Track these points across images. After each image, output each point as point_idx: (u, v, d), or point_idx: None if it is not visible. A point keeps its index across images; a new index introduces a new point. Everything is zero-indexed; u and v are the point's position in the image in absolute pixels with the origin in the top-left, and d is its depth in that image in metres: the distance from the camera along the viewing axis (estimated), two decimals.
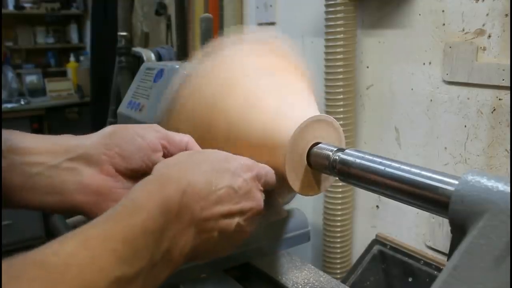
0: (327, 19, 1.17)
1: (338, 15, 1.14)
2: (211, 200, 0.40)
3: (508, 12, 0.91)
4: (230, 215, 0.41)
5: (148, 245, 0.33)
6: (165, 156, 0.47)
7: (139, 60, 1.96)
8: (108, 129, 0.47)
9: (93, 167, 0.45)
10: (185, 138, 0.49)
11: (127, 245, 0.32)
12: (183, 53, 1.66)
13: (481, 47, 0.96)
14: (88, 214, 0.45)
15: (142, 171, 0.46)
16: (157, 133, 0.47)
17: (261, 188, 0.46)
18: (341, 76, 1.17)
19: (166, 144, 0.47)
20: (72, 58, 3.74)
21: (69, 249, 0.30)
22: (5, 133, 0.44)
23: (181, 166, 0.41)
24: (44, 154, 0.43)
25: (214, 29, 1.31)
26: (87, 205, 0.44)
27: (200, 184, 0.40)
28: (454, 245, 0.36)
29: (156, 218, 0.35)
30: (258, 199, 0.44)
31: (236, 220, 0.42)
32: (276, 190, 0.50)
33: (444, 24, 1.03)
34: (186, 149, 0.48)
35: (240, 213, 0.42)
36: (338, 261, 1.28)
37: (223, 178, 0.41)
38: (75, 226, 0.96)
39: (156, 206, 0.35)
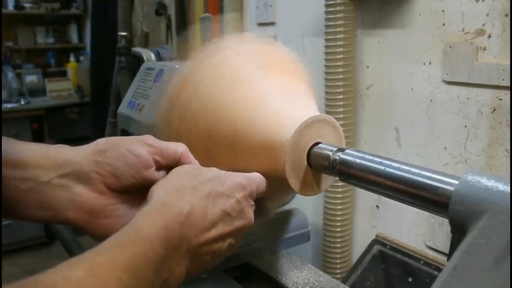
0: (327, 19, 1.17)
1: (338, 15, 1.14)
2: (206, 227, 0.41)
3: (508, 12, 0.91)
4: (223, 237, 0.43)
5: (149, 275, 0.35)
6: (158, 169, 0.47)
7: (139, 60, 1.96)
8: (100, 145, 0.46)
9: (84, 185, 0.44)
10: (180, 149, 0.48)
11: (131, 275, 0.33)
12: (183, 53, 1.66)
13: (481, 47, 0.96)
14: (81, 230, 0.45)
15: (134, 187, 0.46)
16: (150, 147, 0.47)
17: (253, 204, 0.47)
18: (341, 76, 1.17)
19: (159, 158, 0.47)
20: (72, 58, 3.74)
21: (77, 275, 0.31)
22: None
23: (181, 192, 0.42)
24: (36, 169, 0.43)
25: (214, 29, 1.31)
26: (80, 221, 0.44)
27: (198, 213, 0.40)
28: (454, 245, 0.36)
29: (157, 249, 0.36)
30: (249, 217, 0.45)
31: (228, 241, 0.43)
32: (266, 194, 0.50)
33: (444, 24, 1.03)
34: (180, 160, 0.48)
35: (232, 234, 0.44)
36: (338, 261, 1.28)
37: (217, 203, 0.42)
38: (74, 227, 0.96)
39: (158, 237, 0.36)
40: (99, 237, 0.45)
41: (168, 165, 0.48)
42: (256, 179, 0.47)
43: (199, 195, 0.42)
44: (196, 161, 0.49)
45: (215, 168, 0.47)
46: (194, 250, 0.40)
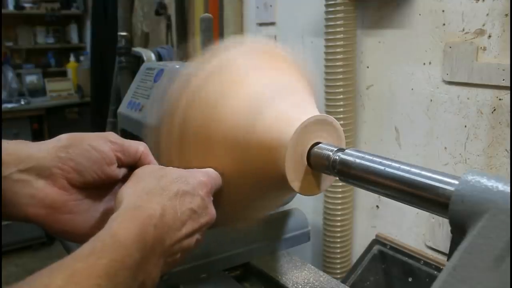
0: (327, 19, 1.17)
1: (338, 15, 1.14)
2: (177, 226, 0.42)
3: (508, 12, 0.91)
4: (191, 234, 0.44)
5: (126, 280, 0.35)
6: (120, 166, 0.48)
7: (139, 60, 1.97)
8: (63, 140, 0.46)
9: (45, 180, 0.44)
10: (140, 148, 0.50)
11: (109, 281, 0.34)
12: (183, 53, 1.66)
13: (481, 47, 0.96)
14: (42, 226, 0.45)
15: (95, 183, 0.46)
16: (113, 144, 0.48)
17: (212, 199, 0.48)
18: (341, 76, 1.17)
19: (121, 156, 0.48)
20: (72, 58, 3.74)
21: (57, 284, 0.32)
22: None
23: (150, 194, 0.42)
24: None
25: (214, 29, 1.31)
26: (40, 217, 0.44)
27: (169, 214, 0.41)
28: (454, 245, 0.36)
29: (133, 254, 0.36)
30: (213, 212, 0.47)
31: (196, 237, 0.45)
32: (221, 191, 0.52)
33: (444, 24, 1.03)
34: (140, 159, 0.49)
35: (199, 229, 0.45)
36: (338, 261, 1.28)
37: (184, 202, 0.43)
38: None
39: (133, 242, 0.37)
40: (58, 233, 0.46)
41: (129, 163, 0.49)
42: (214, 175, 0.49)
43: (167, 195, 0.43)
44: (155, 161, 0.51)
45: (174, 167, 0.48)
46: (168, 250, 0.41)
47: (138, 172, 0.47)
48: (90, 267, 0.34)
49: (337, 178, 0.51)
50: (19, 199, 0.43)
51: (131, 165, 0.49)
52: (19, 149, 0.45)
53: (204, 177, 0.48)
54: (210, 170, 0.50)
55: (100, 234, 0.37)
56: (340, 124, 0.55)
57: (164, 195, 0.43)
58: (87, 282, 0.33)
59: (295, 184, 0.51)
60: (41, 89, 3.41)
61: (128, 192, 0.43)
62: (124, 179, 0.47)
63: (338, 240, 1.27)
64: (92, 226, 0.46)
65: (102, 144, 0.47)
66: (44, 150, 0.45)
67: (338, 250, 1.27)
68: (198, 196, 0.45)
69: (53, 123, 3.28)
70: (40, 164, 0.44)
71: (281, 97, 0.54)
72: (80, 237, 0.45)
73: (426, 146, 1.10)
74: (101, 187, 0.48)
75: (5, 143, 0.45)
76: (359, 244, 1.30)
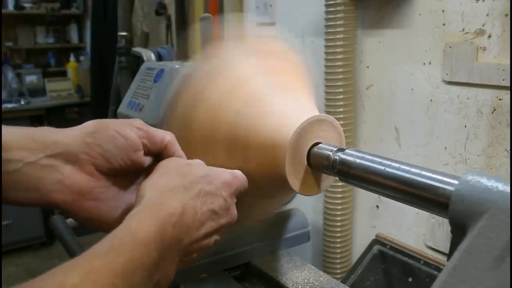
0: (327, 19, 1.17)
1: (338, 15, 1.14)
2: (196, 226, 0.42)
3: (508, 12, 0.91)
4: (210, 235, 0.44)
5: (143, 279, 0.35)
6: (146, 153, 0.47)
7: (139, 60, 1.97)
8: (90, 126, 0.46)
9: (72, 165, 0.44)
10: (167, 137, 0.49)
11: (126, 280, 0.33)
12: (183, 53, 1.66)
13: (481, 47, 0.96)
14: (66, 212, 0.45)
15: (122, 170, 0.46)
16: (139, 131, 0.47)
17: (235, 200, 0.48)
18: (341, 76, 1.17)
19: (147, 143, 0.47)
20: (72, 58, 3.74)
21: (73, 281, 0.31)
22: None
23: (173, 192, 0.42)
24: (22, 151, 0.42)
25: (214, 29, 1.31)
26: (65, 203, 0.44)
27: (189, 213, 0.41)
28: (454, 245, 0.36)
29: (151, 253, 0.36)
30: (234, 214, 0.47)
31: (214, 237, 0.44)
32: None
33: (444, 24, 1.03)
34: (166, 148, 0.48)
35: (219, 230, 0.45)
36: (338, 261, 1.28)
37: (206, 202, 0.43)
38: (74, 227, 0.96)
39: (152, 241, 0.36)
40: (83, 220, 0.45)
41: (154, 151, 0.48)
42: (240, 177, 0.48)
43: (189, 194, 0.42)
44: (182, 151, 0.50)
45: (201, 162, 0.48)
46: (185, 249, 0.41)
47: (162, 164, 0.46)
48: (108, 265, 0.33)
49: (337, 178, 0.51)
50: (44, 185, 0.43)
51: (157, 154, 0.48)
52: (46, 135, 0.44)
53: (230, 177, 0.47)
54: (237, 171, 0.49)
55: (118, 231, 0.37)
56: (340, 124, 0.55)
57: (186, 193, 0.42)
58: (103, 280, 0.32)
59: (295, 184, 0.52)
60: (41, 89, 3.41)
61: (151, 187, 0.43)
62: (149, 169, 0.47)
63: (338, 240, 1.27)
64: (117, 215, 0.46)
65: (128, 130, 0.46)
66: (71, 136, 0.45)
67: (338, 250, 1.27)
68: (221, 197, 0.45)
69: (53, 123, 3.28)
70: (68, 150, 0.44)
71: (281, 97, 0.54)
72: (104, 226, 0.45)
73: (426, 146, 1.10)
74: (127, 175, 0.47)
75: (32, 129, 0.44)
76: (359, 244, 1.30)
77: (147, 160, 0.48)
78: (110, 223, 0.45)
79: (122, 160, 0.45)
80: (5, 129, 0.43)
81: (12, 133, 0.43)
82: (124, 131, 0.46)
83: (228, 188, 0.46)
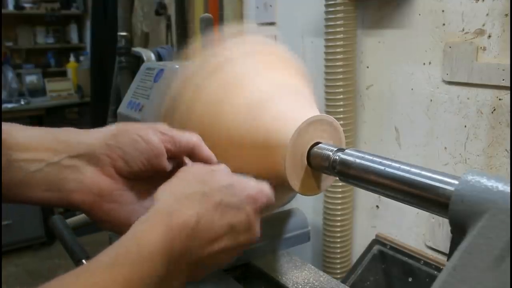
0: (327, 19, 1.17)
1: (338, 15, 1.14)
2: (210, 240, 0.39)
3: (508, 12, 0.91)
4: (225, 251, 0.41)
5: None
6: (170, 157, 0.46)
7: (139, 60, 1.97)
8: (112, 129, 0.46)
9: (94, 167, 0.44)
10: (193, 139, 0.47)
11: None
12: (183, 53, 1.66)
13: (481, 47, 0.96)
14: (86, 213, 0.45)
15: (142, 174, 0.45)
16: (163, 135, 0.46)
17: (259, 218, 0.45)
18: (341, 76, 1.17)
19: (171, 147, 0.46)
20: (72, 58, 3.74)
21: None
22: (5, 126, 0.43)
23: (189, 199, 0.40)
24: (44, 151, 0.43)
25: (214, 29, 1.31)
26: (86, 204, 0.44)
27: (203, 225, 0.39)
28: (454, 245, 0.36)
29: (158, 268, 0.35)
30: (256, 231, 0.44)
31: (230, 255, 0.42)
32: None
33: (444, 24, 1.03)
34: (192, 151, 0.47)
35: (236, 248, 0.42)
36: (338, 261, 1.28)
37: (226, 215, 0.40)
38: (74, 227, 0.95)
39: (159, 255, 0.35)
40: (102, 222, 0.45)
41: (180, 155, 0.47)
42: (267, 192, 0.45)
43: (208, 204, 0.40)
44: (210, 152, 0.48)
45: (227, 169, 0.46)
46: (195, 263, 0.39)
47: (184, 170, 0.45)
48: (113, 277, 0.32)
49: (337, 178, 0.51)
50: (65, 185, 0.43)
51: (183, 157, 0.47)
52: (70, 136, 0.45)
53: (255, 191, 0.43)
54: (265, 185, 0.45)
55: (125, 238, 0.36)
56: (340, 124, 0.55)
57: (204, 202, 0.40)
58: None
59: (295, 184, 0.52)
60: (41, 89, 3.41)
61: (167, 191, 0.41)
62: (173, 174, 0.45)
63: (338, 240, 1.27)
64: (135, 220, 0.45)
65: (151, 135, 0.45)
66: (93, 138, 0.45)
67: (338, 250, 1.27)
68: (243, 212, 0.42)
69: (53, 123, 3.27)
70: (90, 151, 0.44)
71: (281, 97, 0.54)
72: (123, 229, 0.43)
73: (426, 146, 1.10)
74: (149, 180, 0.46)
75: (55, 130, 0.45)
76: (359, 244, 1.30)
77: (171, 165, 0.47)
78: (129, 227, 0.44)
79: (142, 164, 0.45)
80: (28, 131, 0.44)
81: (36, 132, 0.44)
82: (146, 135, 0.45)
83: (253, 203, 0.43)
